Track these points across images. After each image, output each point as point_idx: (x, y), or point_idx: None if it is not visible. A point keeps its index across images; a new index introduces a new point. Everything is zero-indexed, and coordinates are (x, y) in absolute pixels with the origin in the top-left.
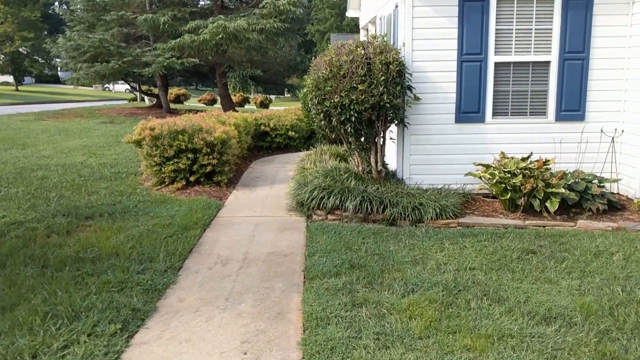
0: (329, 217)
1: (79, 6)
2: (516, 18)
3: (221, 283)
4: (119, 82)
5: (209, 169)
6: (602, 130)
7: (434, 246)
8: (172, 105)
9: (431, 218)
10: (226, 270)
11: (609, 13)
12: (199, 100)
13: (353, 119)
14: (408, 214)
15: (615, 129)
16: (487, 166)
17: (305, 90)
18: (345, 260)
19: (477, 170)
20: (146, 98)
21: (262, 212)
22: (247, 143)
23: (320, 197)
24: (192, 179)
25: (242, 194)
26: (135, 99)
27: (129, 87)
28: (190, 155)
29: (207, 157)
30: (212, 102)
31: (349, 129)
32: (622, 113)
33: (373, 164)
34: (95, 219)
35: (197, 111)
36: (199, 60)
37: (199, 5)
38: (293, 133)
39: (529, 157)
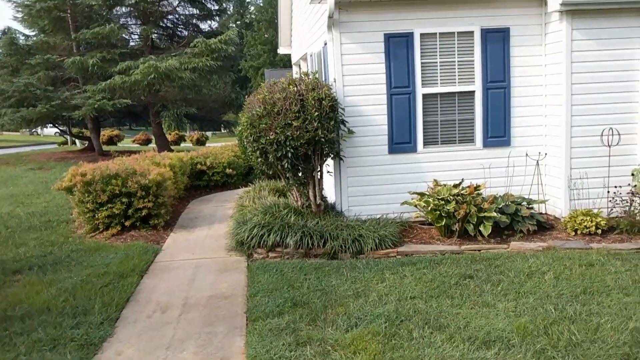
0: (270, 254)
1: (0, 50)
2: (440, 51)
3: (161, 331)
4: (48, 125)
5: (144, 212)
6: (527, 154)
7: (375, 277)
8: (105, 147)
9: (371, 249)
10: (166, 317)
11: (525, 44)
12: (133, 141)
13: (289, 154)
14: (348, 247)
15: (539, 153)
16: (422, 194)
17: (240, 128)
18: (287, 298)
19: (412, 199)
20: (77, 141)
21: (201, 254)
22: (183, 183)
23: (260, 235)
24: (127, 223)
25: (181, 236)
26: (65, 143)
27: (58, 130)
28: (124, 200)
29: (143, 201)
30: (147, 142)
31: (286, 164)
32: (544, 137)
33: (312, 198)
34: (24, 272)
35: (131, 152)
36: (132, 101)
37: (129, 46)
38: (231, 170)
39: (460, 183)
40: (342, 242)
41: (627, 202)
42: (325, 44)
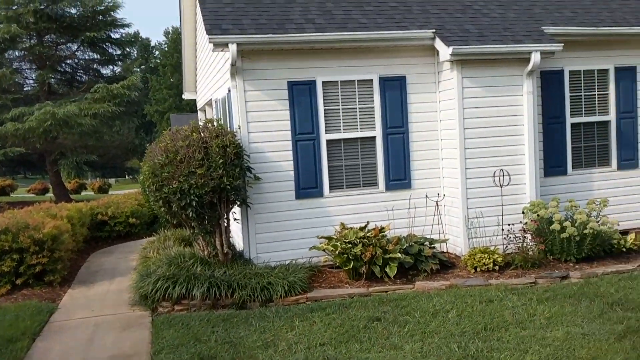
0: (176, 308)
1: None
2: (342, 98)
3: None
4: None
5: (38, 269)
6: (426, 196)
7: (284, 326)
8: None
9: (281, 296)
10: None
11: (421, 92)
12: (29, 190)
13: (194, 203)
14: (257, 295)
15: (438, 194)
16: (330, 238)
17: (142, 177)
18: (194, 354)
19: (320, 243)
20: None
21: (102, 310)
22: (82, 235)
23: (165, 287)
24: (18, 282)
25: (79, 292)
26: None
27: None
28: (15, 256)
29: (36, 256)
30: (44, 191)
31: (191, 213)
32: (442, 179)
33: (219, 246)
34: None
35: (25, 203)
36: (26, 149)
37: (23, 92)
38: (134, 220)
39: (366, 226)
40: (250, 291)
41: (519, 238)
42: (230, 90)
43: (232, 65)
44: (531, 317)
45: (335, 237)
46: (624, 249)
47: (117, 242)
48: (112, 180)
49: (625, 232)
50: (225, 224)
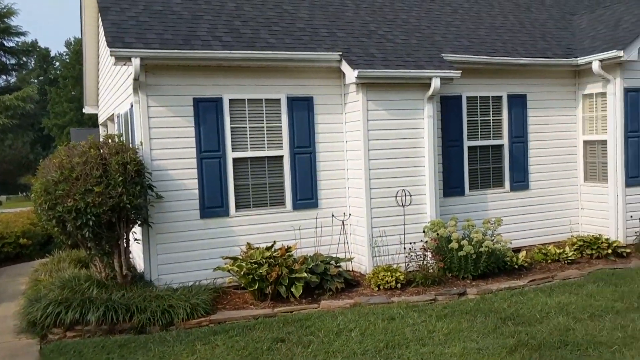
0: (68, 334)
1: None
2: (249, 117)
3: None
4: None
5: None
6: (333, 215)
7: (185, 350)
8: None
9: (182, 319)
10: None
11: (328, 112)
12: None
13: (91, 222)
14: (158, 319)
15: (344, 213)
16: (235, 259)
17: (33, 195)
18: None
19: (225, 264)
20: None
21: None
22: None
23: (56, 312)
24: None
25: None
26: None
27: None
28: None
29: None
30: None
31: (87, 233)
32: (348, 199)
33: (117, 268)
34: None
35: None
36: None
37: None
38: (25, 240)
39: (272, 246)
40: (150, 314)
41: (420, 256)
42: (132, 105)
43: (135, 80)
44: (430, 334)
45: (241, 258)
46: (516, 266)
47: (5, 265)
48: (3, 197)
49: (517, 250)
50: (125, 245)
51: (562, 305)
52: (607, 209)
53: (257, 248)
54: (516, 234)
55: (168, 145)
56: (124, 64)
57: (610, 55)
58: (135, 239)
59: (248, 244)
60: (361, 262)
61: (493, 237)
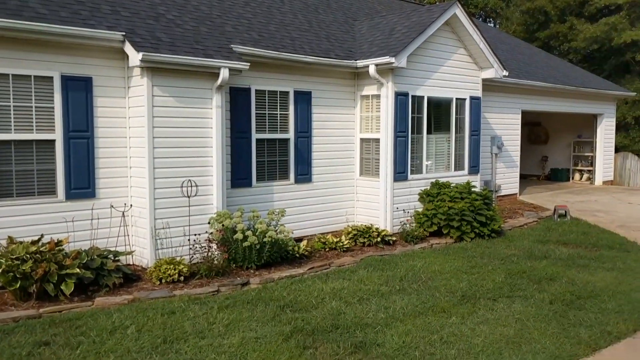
0: None
1: None
2: (13, 95)
3: None
4: None
5: None
6: (112, 206)
7: None
8: None
9: None
10: None
11: (110, 95)
12: None
13: None
14: None
15: (125, 204)
16: None
17: None
18: None
19: None
20: None
21: None
22: None
23: None
24: None
25: None
26: None
27: None
28: None
29: None
30: None
31: None
32: (130, 189)
33: None
34: None
35: None
36: None
37: None
38: None
39: (40, 239)
40: None
41: (205, 248)
42: None
43: None
44: (211, 326)
45: (1, 253)
46: (298, 255)
47: None
48: None
49: (300, 239)
50: None
51: (336, 290)
52: (378, 201)
53: (21, 242)
54: (300, 224)
55: None
56: None
57: (384, 60)
58: None
59: (9, 237)
60: (143, 255)
61: (277, 228)
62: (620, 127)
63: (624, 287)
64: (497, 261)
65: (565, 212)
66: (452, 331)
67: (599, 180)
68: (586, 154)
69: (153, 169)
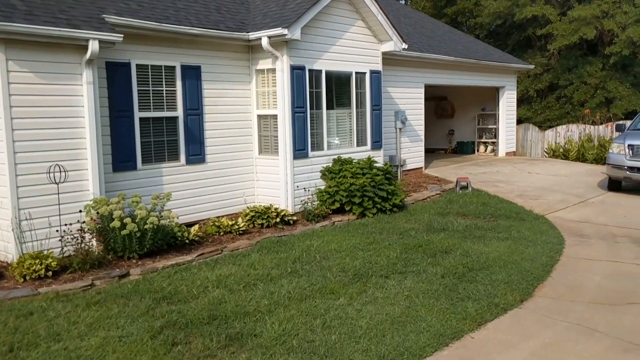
0: None
1: None
2: None
3: None
4: None
5: None
6: None
7: None
8: None
9: None
10: None
11: None
12: None
13: None
14: None
15: None
16: None
17: None
18: None
19: None
20: None
21: None
22: None
23: None
24: None
25: None
26: None
27: None
28: None
29: None
30: None
31: None
32: None
33: None
34: None
35: None
36: None
37: None
38: None
39: None
40: None
41: (78, 239)
42: None
43: None
44: (71, 326)
45: None
46: (187, 241)
47: None
48: None
49: (193, 224)
50: None
51: (221, 278)
52: (279, 180)
53: None
54: (193, 207)
55: None
56: None
57: (277, 32)
58: None
59: None
60: (7, 249)
61: (161, 213)
62: (524, 100)
63: (515, 257)
64: (396, 236)
65: (467, 183)
66: (337, 314)
67: (502, 151)
68: (490, 127)
69: (13, 154)
